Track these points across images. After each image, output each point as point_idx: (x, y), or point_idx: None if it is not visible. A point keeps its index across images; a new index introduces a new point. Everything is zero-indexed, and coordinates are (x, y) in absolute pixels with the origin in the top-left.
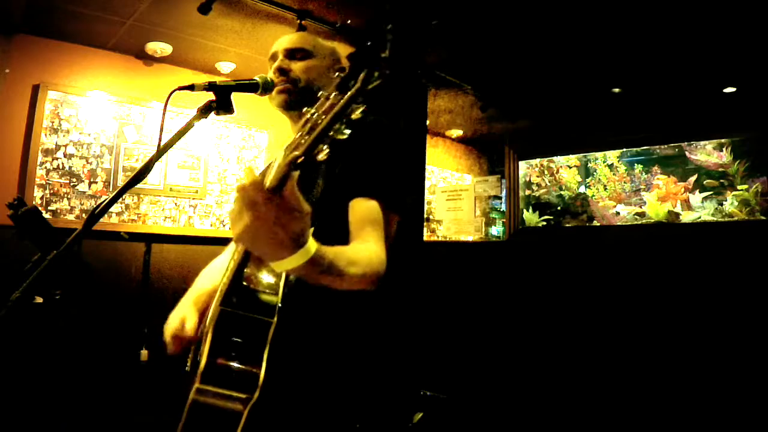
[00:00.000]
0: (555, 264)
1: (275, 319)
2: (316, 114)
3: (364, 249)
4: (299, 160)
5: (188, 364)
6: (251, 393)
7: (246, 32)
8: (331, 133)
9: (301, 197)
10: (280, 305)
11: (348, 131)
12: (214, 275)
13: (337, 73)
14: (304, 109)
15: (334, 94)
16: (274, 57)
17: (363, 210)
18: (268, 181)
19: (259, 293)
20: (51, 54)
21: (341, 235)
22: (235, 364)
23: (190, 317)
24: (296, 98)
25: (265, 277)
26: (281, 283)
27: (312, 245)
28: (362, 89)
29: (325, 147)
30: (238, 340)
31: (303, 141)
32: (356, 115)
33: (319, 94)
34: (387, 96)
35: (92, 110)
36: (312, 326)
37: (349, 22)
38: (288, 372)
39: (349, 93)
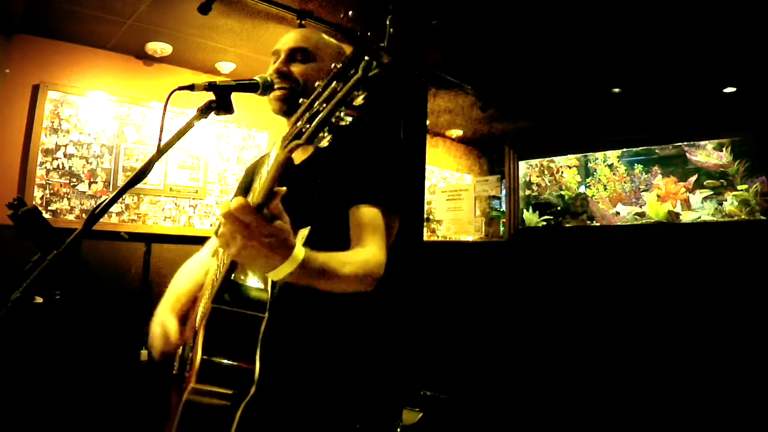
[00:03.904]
0: (555, 264)
1: (266, 314)
2: (316, 102)
3: (362, 251)
4: (300, 147)
5: (176, 366)
6: (247, 389)
7: (246, 32)
8: (333, 119)
9: (282, 208)
10: (270, 300)
11: (350, 118)
12: (191, 273)
13: (333, 64)
14: (300, 100)
15: (334, 82)
16: (276, 54)
17: (364, 216)
18: (257, 192)
19: (250, 289)
20: (51, 54)
21: (340, 239)
22: (229, 362)
23: (170, 323)
24: (292, 101)
25: (256, 274)
26: (269, 278)
27: (300, 251)
28: (364, 77)
29: (326, 134)
30: (232, 337)
31: (304, 129)
32: (358, 101)
33: (315, 84)
34: (387, 95)
35: (92, 110)
36: (302, 320)
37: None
38: (281, 367)
39: (352, 80)
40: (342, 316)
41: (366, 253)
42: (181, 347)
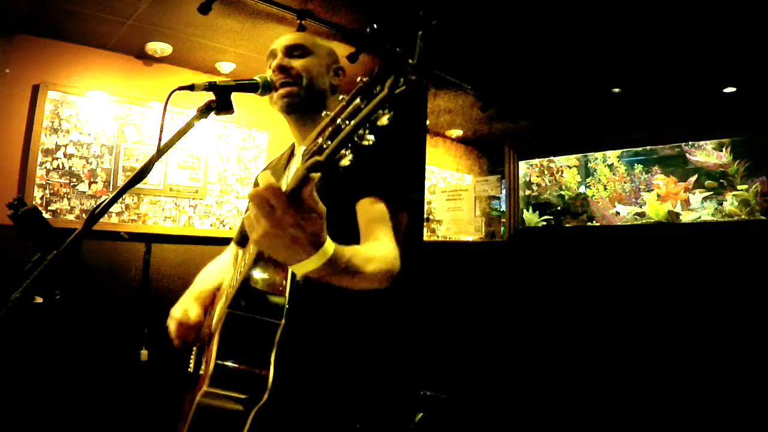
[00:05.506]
0: (555, 264)
1: (283, 320)
2: (339, 119)
3: (379, 246)
4: (322, 165)
5: (191, 364)
6: (260, 395)
7: (246, 32)
8: (356, 138)
9: (318, 198)
10: (287, 306)
11: (372, 137)
12: (213, 275)
13: (329, 62)
14: (324, 113)
15: (357, 99)
16: (272, 55)
17: (372, 210)
18: (285, 185)
19: (267, 295)
20: (51, 54)
21: (347, 235)
22: (243, 367)
23: (192, 308)
24: (301, 99)
25: (273, 280)
26: (287, 285)
27: (330, 246)
28: (389, 95)
29: (348, 152)
30: (247, 342)
31: (325, 145)
32: (382, 121)
33: (340, 98)
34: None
35: (92, 110)
36: (317, 326)
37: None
38: (295, 374)
39: (376, 98)
40: (355, 320)
41: (384, 249)
42: (197, 346)
